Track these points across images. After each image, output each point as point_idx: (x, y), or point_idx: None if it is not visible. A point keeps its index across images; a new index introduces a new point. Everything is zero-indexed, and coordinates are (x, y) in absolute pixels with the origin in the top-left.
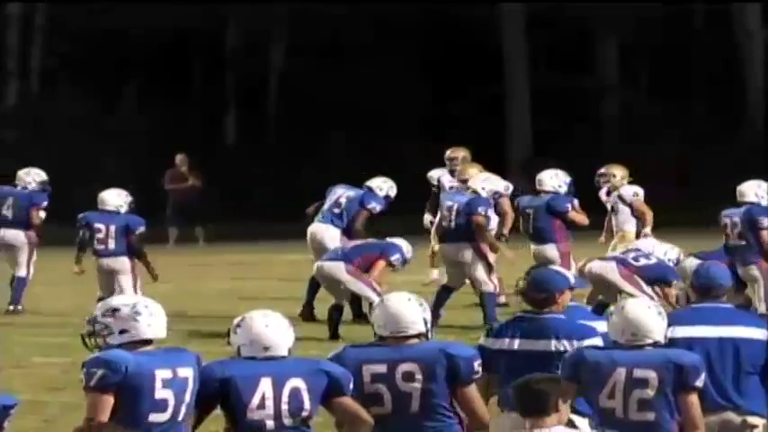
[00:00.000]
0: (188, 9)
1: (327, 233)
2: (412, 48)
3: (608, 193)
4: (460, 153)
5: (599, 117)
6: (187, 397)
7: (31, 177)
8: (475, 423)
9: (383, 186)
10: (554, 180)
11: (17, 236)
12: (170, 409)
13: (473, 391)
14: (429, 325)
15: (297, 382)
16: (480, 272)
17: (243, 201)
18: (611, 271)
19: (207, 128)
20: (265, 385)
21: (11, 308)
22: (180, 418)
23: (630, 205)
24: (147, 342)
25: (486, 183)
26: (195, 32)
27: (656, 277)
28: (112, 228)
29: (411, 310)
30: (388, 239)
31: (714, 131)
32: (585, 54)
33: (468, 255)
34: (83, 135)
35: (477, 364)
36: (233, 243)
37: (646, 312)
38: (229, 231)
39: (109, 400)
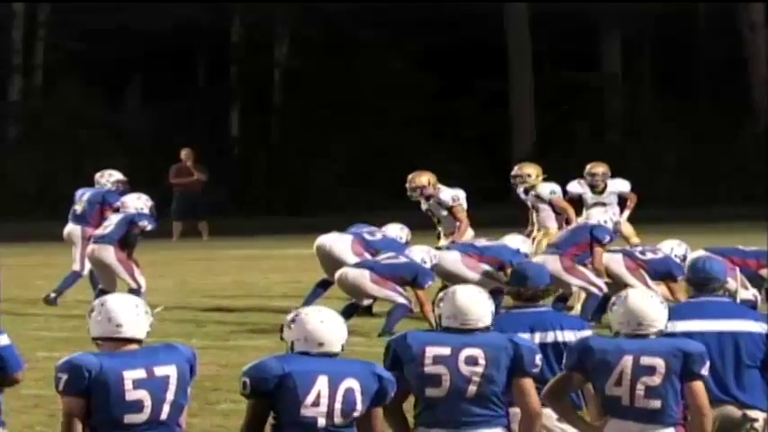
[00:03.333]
0: (192, 5)
1: (337, 243)
2: (416, 44)
3: (525, 193)
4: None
5: (602, 113)
6: (169, 395)
7: (105, 179)
8: (528, 417)
9: (402, 235)
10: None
11: (76, 231)
12: (148, 410)
13: (530, 383)
14: (494, 318)
15: (351, 383)
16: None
17: (247, 195)
18: (616, 263)
19: (212, 123)
20: (322, 383)
21: (52, 294)
22: (164, 418)
23: (550, 203)
24: (131, 341)
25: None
26: (200, 28)
27: (662, 272)
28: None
29: (481, 303)
30: (416, 255)
31: (718, 128)
32: (589, 50)
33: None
34: (86, 131)
35: (538, 358)
36: (237, 238)
37: (649, 302)
38: (233, 226)
39: (79, 403)
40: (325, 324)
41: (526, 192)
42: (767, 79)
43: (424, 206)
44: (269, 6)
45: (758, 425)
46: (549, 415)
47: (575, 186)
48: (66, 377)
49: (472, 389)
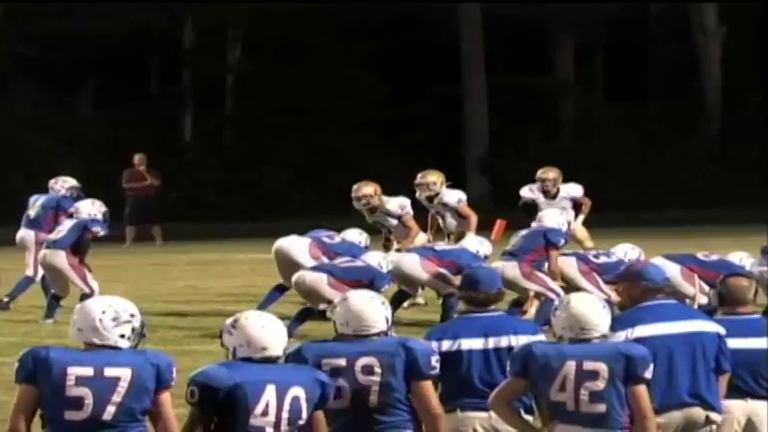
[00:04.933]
0: (145, 8)
1: (295, 246)
2: (369, 48)
3: (429, 200)
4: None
5: (556, 117)
6: (116, 397)
7: (60, 185)
8: (430, 419)
9: (361, 240)
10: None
11: (29, 236)
12: (88, 408)
13: (428, 386)
14: (390, 323)
15: (297, 391)
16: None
17: (200, 200)
18: (570, 266)
19: (164, 128)
20: (270, 393)
21: (5, 299)
22: (107, 419)
23: (456, 210)
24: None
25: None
26: (152, 33)
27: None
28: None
29: (374, 309)
30: (372, 259)
31: (670, 132)
32: (542, 54)
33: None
34: (38, 137)
35: (434, 360)
36: (190, 242)
37: (592, 306)
38: (187, 231)
39: (27, 393)
40: (267, 329)
41: (430, 199)
42: (720, 83)
43: (369, 219)
44: (221, 11)
45: (715, 427)
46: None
47: (526, 192)
48: (18, 365)
49: (373, 398)
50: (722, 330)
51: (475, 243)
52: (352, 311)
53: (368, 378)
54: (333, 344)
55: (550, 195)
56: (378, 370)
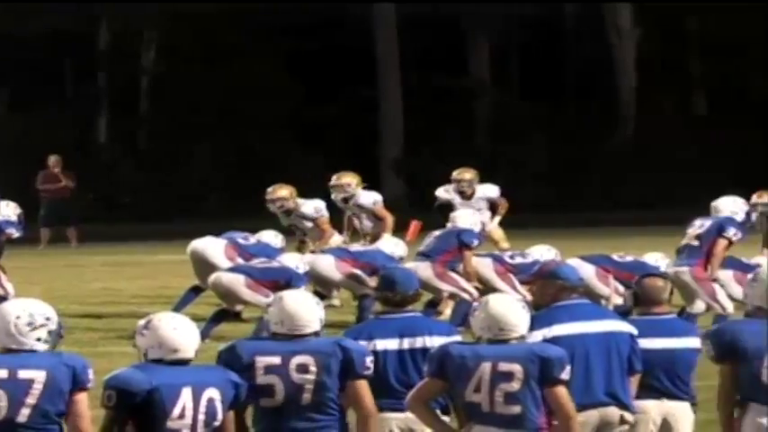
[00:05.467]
0: (59, 8)
1: (210, 247)
2: (285, 49)
3: (345, 202)
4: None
5: (472, 118)
6: (31, 400)
7: None
8: (363, 419)
9: (276, 241)
10: None
11: None
12: (2, 411)
13: (363, 385)
14: (323, 323)
15: (212, 393)
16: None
17: (115, 201)
18: (485, 267)
19: (79, 130)
20: (186, 395)
21: None
22: (22, 421)
23: (371, 211)
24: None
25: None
26: (66, 36)
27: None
28: None
29: (309, 309)
30: (288, 260)
31: (586, 133)
32: (458, 55)
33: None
34: None
35: (369, 360)
36: (105, 244)
37: (511, 307)
38: (102, 232)
39: None
40: (179, 330)
41: (346, 201)
42: (634, 84)
43: (284, 222)
44: (136, 13)
45: (627, 427)
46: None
47: (442, 193)
48: None
49: (306, 396)
50: (634, 331)
51: (390, 244)
52: (287, 311)
53: (302, 376)
54: (268, 342)
55: (466, 196)
56: (313, 369)
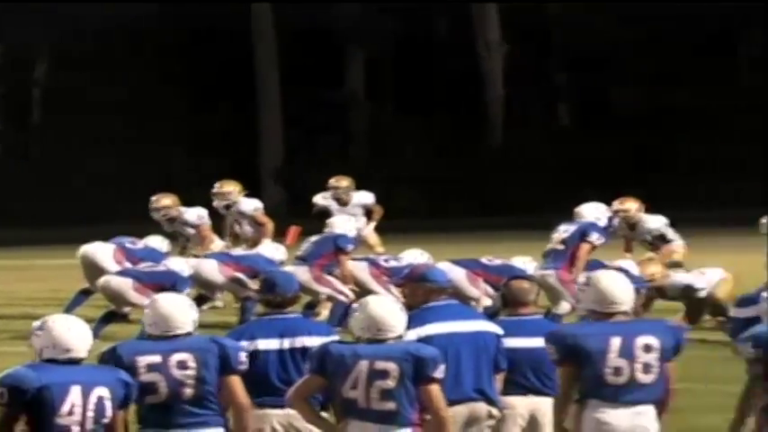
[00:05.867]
0: None
1: (100, 252)
2: (171, 63)
3: (227, 208)
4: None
5: (348, 129)
6: None
7: None
8: (237, 412)
9: (162, 246)
10: None
11: None
12: None
13: (238, 381)
14: (196, 325)
15: (102, 391)
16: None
17: (9, 208)
18: (361, 270)
19: None
20: (75, 393)
21: None
22: None
23: (252, 218)
24: None
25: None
26: None
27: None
28: None
29: (182, 311)
30: (174, 264)
31: (457, 142)
32: (334, 69)
33: None
34: None
35: (243, 356)
36: (0, 248)
37: (389, 309)
38: None
39: None
40: (72, 331)
41: (228, 207)
42: (503, 96)
43: (168, 229)
44: (29, 25)
45: (494, 421)
46: (299, 416)
47: (320, 200)
48: None
49: (188, 391)
50: (500, 331)
51: (270, 249)
52: (161, 313)
53: (183, 372)
54: (147, 342)
55: (343, 203)
56: (192, 365)
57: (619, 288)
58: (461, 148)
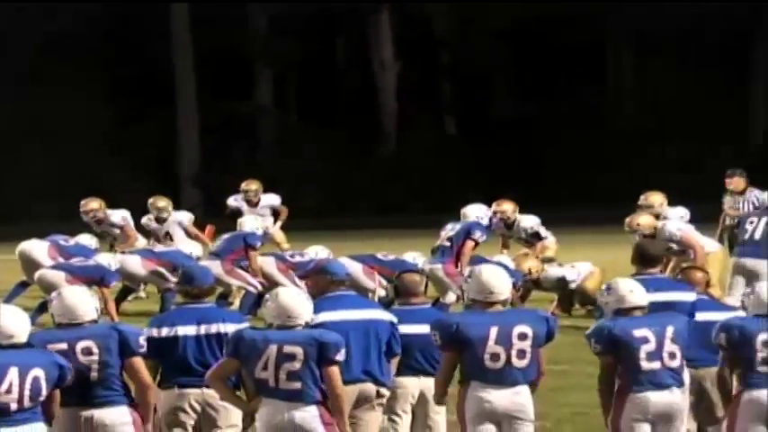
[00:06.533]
0: None
1: (36, 248)
2: (99, 77)
3: (158, 221)
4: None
5: (257, 136)
6: None
7: None
8: (140, 389)
9: (92, 243)
10: None
11: None
12: None
13: (140, 362)
14: (99, 312)
15: (38, 372)
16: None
17: None
18: (269, 265)
19: None
20: (13, 374)
21: None
22: None
23: (185, 230)
24: None
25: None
26: None
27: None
28: None
29: (84, 301)
30: (102, 259)
31: (354, 151)
32: (245, 82)
33: None
34: None
35: (142, 339)
36: None
37: (297, 299)
38: None
39: None
40: (13, 319)
41: (162, 221)
42: (396, 108)
43: (97, 229)
44: None
45: (385, 400)
46: (214, 395)
47: (232, 201)
48: None
49: (94, 375)
50: (395, 319)
51: (188, 245)
52: (66, 304)
53: (88, 358)
54: (56, 331)
55: (252, 204)
56: (95, 350)
57: (498, 280)
58: (360, 155)
